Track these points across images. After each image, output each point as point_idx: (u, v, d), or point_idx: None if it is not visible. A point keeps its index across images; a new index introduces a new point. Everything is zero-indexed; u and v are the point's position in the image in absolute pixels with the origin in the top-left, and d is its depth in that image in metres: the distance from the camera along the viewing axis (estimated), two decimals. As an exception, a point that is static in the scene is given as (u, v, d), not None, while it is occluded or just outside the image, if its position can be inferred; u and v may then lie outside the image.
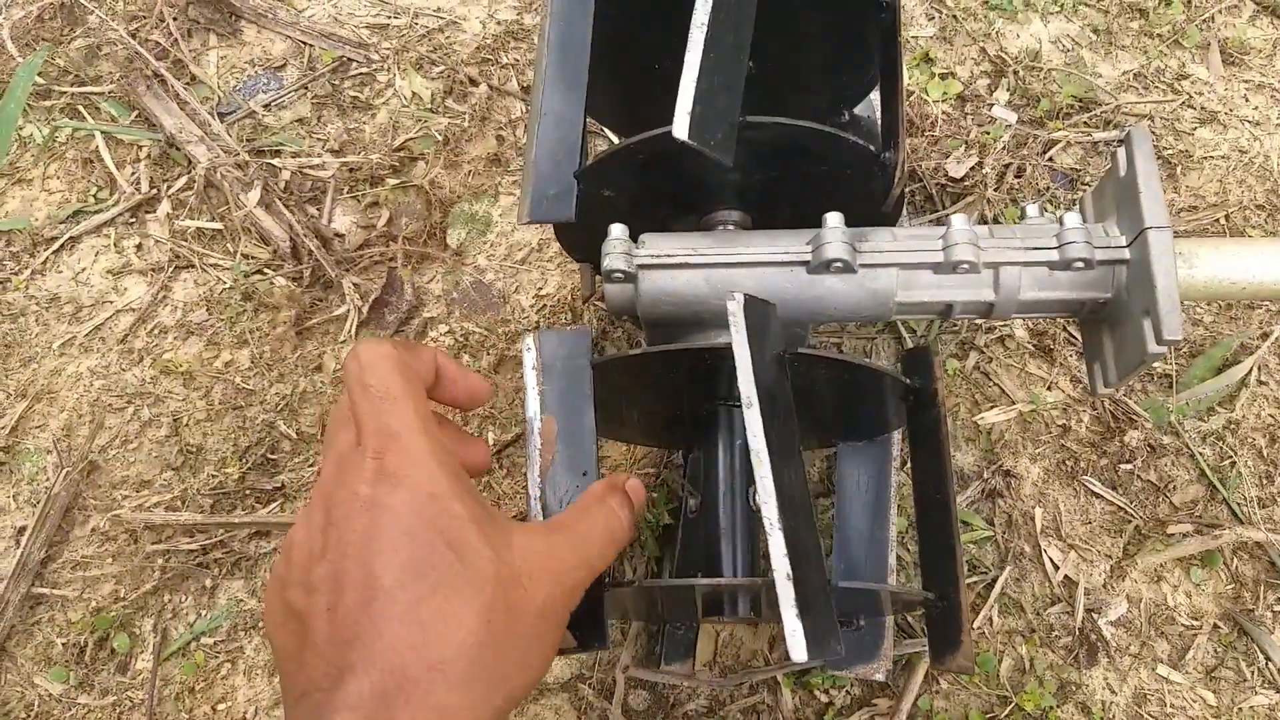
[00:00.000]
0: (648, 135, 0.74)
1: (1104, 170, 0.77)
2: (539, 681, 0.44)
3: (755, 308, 0.67)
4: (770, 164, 0.80)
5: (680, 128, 0.67)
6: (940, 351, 0.98)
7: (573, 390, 0.71)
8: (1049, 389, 0.97)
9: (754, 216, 0.85)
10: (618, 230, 0.75)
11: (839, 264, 0.72)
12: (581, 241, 0.90)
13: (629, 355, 0.71)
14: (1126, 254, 0.72)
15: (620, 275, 0.75)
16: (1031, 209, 0.77)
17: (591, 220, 0.79)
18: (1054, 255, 0.72)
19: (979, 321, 0.99)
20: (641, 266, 0.75)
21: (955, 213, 0.74)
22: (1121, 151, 0.73)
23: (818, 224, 0.74)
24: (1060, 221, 0.73)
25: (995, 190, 1.03)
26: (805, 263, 0.74)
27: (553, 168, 0.82)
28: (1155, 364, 0.95)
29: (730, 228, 0.82)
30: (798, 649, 0.57)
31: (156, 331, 1.09)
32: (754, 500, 0.79)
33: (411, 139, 1.14)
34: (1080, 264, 0.72)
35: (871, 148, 0.79)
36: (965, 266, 0.72)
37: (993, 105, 1.09)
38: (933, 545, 0.74)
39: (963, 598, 0.70)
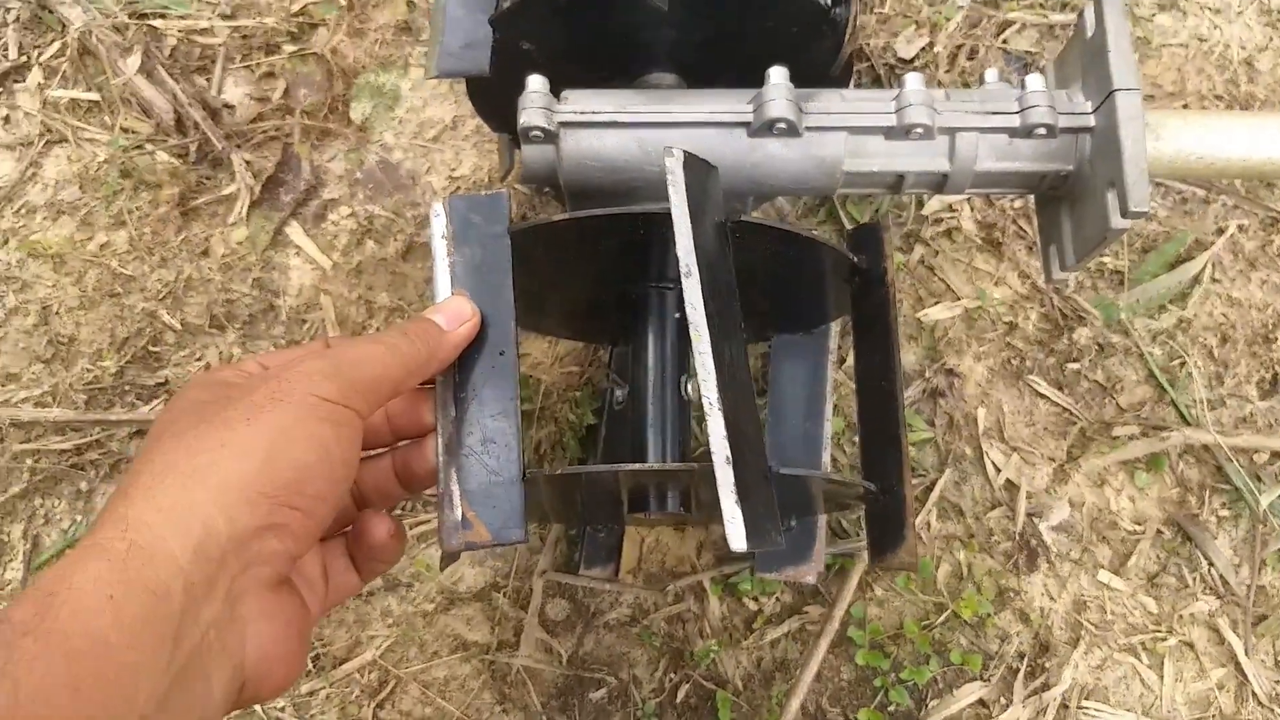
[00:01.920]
0: (571, -28, 0.65)
1: (1068, 36, 0.71)
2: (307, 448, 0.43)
3: (696, 167, 0.60)
4: (709, 17, 0.72)
5: (608, -39, 0.59)
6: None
7: (488, 261, 0.62)
8: (996, 285, 0.92)
9: (689, 82, 0.77)
10: (536, 82, 0.67)
11: (782, 125, 0.65)
12: (499, 106, 0.81)
13: (551, 221, 0.63)
14: (1091, 121, 0.66)
15: (539, 134, 0.66)
16: (990, 74, 0.70)
17: (511, 81, 0.70)
18: (1015, 121, 0.66)
19: (925, 213, 0.93)
20: (564, 124, 0.67)
21: (909, 73, 0.67)
22: (1090, 10, 0.66)
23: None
24: (1022, 85, 0.67)
25: (947, 72, 0.96)
26: (746, 124, 0.67)
27: (465, 14, 0.73)
28: (1107, 254, 0.91)
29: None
30: (737, 537, 0.51)
31: (24, 211, 0.97)
32: (686, 390, 0.72)
33: (312, 3, 1.03)
34: (1042, 130, 0.66)
35: (821, 1, 0.72)
36: (919, 131, 0.66)
37: (945, -15, 1.02)
38: (876, 436, 0.68)
39: (907, 490, 0.65)
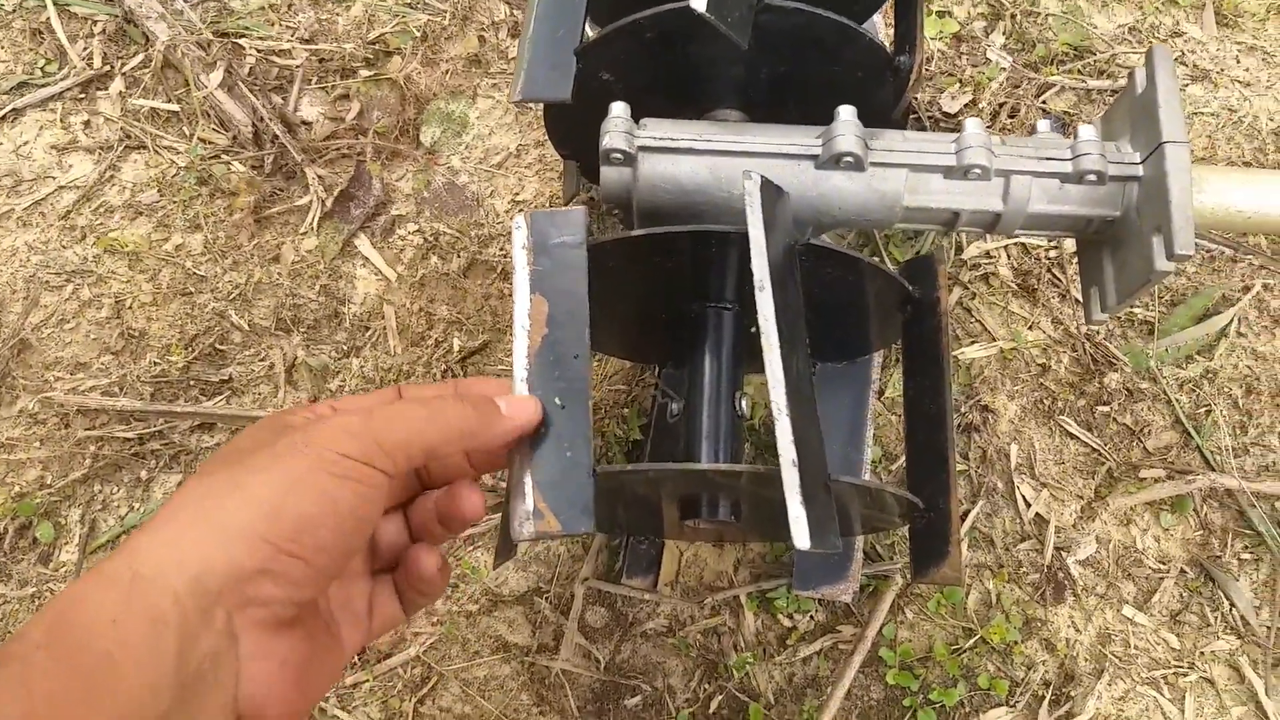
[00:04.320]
0: (662, 9, 0.70)
1: (1105, 100, 0.76)
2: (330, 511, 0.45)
3: (770, 191, 0.64)
4: (780, 58, 0.77)
5: (699, 0, 0.64)
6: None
7: (566, 271, 0.66)
8: (1030, 328, 0.96)
9: (753, 118, 0.82)
10: (619, 108, 0.71)
11: (849, 159, 0.70)
12: (572, 132, 0.86)
13: (627, 236, 0.67)
14: (1140, 170, 0.70)
15: (619, 157, 0.71)
16: (1042, 124, 0.75)
17: (586, 109, 0.75)
18: (1067, 167, 0.71)
19: (964, 257, 0.98)
20: (643, 149, 0.71)
21: (969, 118, 0.71)
22: (1141, 68, 0.71)
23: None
24: (1074, 134, 0.71)
25: (989, 128, 1.01)
26: (814, 156, 0.71)
27: (551, 44, 0.77)
28: (1138, 305, 0.95)
29: (732, 124, 0.79)
30: (801, 536, 0.54)
31: (102, 210, 1.02)
32: (740, 406, 0.76)
33: (388, 33, 1.09)
34: (1093, 177, 0.70)
35: (888, 49, 0.77)
36: (977, 171, 0.70)
37: (988, 47, 1.07)
38: (923, 455, 0.71)
39: (953, 507, 0.68)
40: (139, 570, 0.41)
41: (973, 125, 0.71)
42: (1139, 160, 0.70)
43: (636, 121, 0.72)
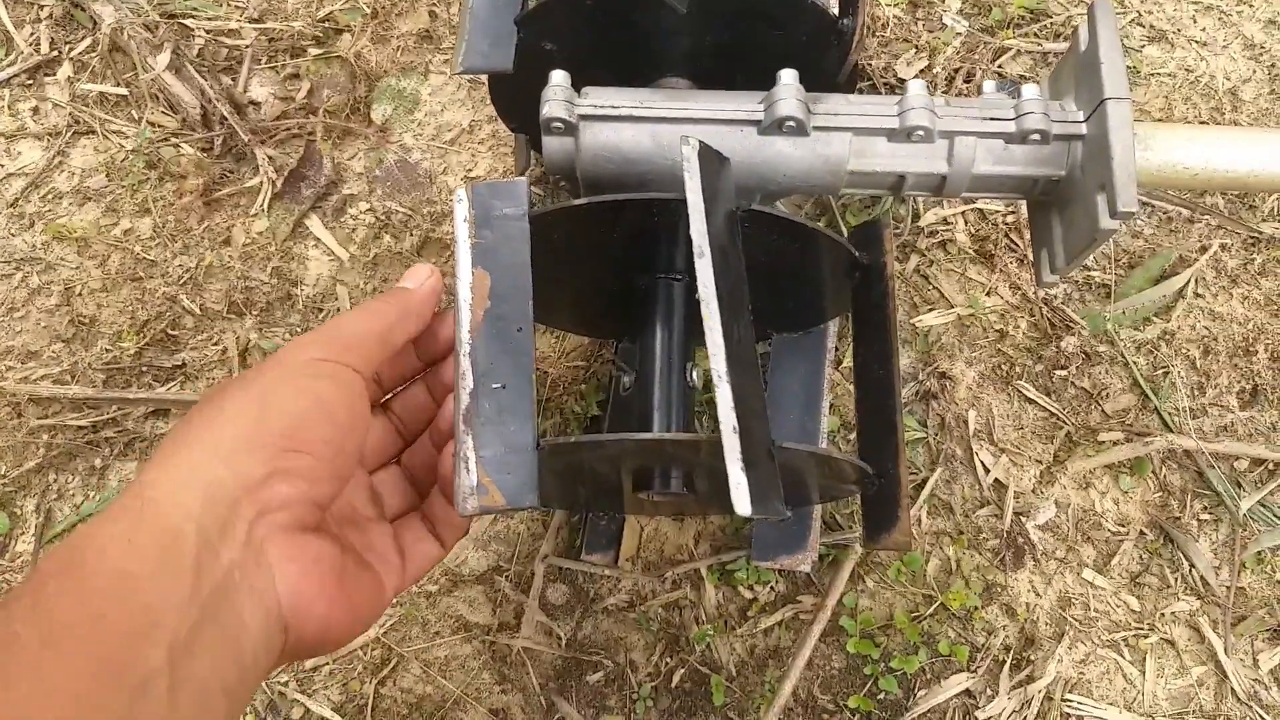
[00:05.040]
0: (597, -27, 0.69)
1: (1062, 52, 0.75)
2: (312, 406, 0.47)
3: (710, 157, 0.64)
4: (723, 26, 0.76)
5: (632, -36, 0.63)
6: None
7: (508, 242, 0.66)
8: (988, 294, 0.95)
9: (701, 87, 0.81)
10: (559, 76, 0.70)
11: (791, 123, 0.69)
12: (518, 105, 0.85)
13: (568, 205, 0.66)
14: (1083, 129, 0.69)
15: (560, 126, 0.70)
16: (988, 85, 0.74)
17: (530, 80, 0.74)
18: (1010, 127, 0.70)
19: (921, 225, 0.97)
20: (584, 117, 0.70)
21: (912, 80, 0.71)
22: (1084, 25, 0.70)
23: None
24: (1018, 94, 0.71)
25: (944, 93, 1.00)
26: (756, 122, 0.70)
27: (492, 14, 0.76)
28: (1094, 268, 0.94)
29: (677, 93, 0.78)
30: (742, 502, 0.54)
31: (50, 196, 1.00)
32: (691, 377, 0.75)
33: (338, 9, 1.07)
34: (1036, 137, 0.69)
35: (832, 13, 0.76)
36: (920, 133, 0.69)
37: (944, 12, 1.06)
38: (873, 422, 0.71)
39: (902, 472, 0.68)
40: (149, 497, 0.42)
41: (915, 87, 0.70)
42: (1082, 118, 0.70)
43: (578, 90, 0.71)
